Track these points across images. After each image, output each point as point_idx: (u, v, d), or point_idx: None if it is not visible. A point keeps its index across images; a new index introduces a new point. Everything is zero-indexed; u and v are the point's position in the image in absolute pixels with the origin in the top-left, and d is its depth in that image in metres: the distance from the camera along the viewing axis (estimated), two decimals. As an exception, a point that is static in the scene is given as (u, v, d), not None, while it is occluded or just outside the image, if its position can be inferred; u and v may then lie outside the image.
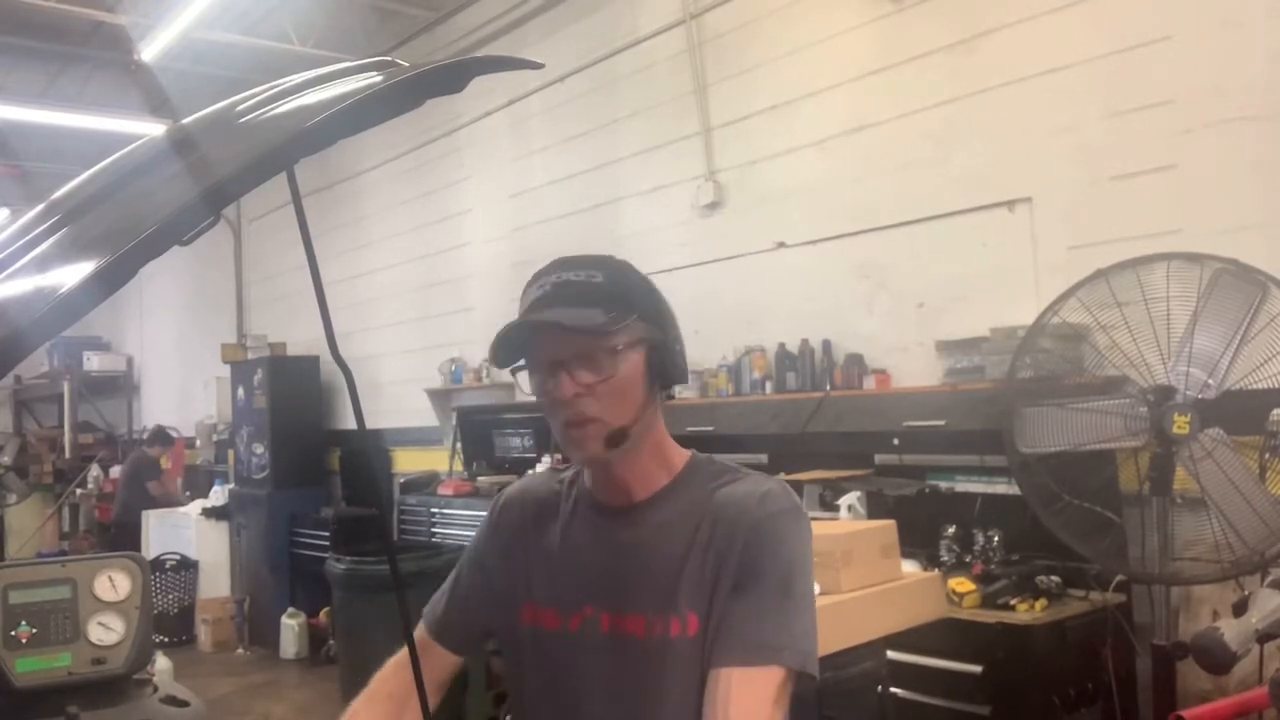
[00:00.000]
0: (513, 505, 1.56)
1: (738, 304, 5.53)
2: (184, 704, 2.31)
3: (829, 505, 4.15)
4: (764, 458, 4.65)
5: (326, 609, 7.18)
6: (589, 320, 1.31)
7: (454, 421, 7.28)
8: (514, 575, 1.51)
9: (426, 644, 1.56)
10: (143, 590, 2.38)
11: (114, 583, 2.35)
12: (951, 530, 3.97)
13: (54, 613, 2.28)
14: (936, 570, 3.64)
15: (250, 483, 8.69)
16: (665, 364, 1.37)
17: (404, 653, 1.47)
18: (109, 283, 0.80)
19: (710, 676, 1.30)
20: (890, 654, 3.12)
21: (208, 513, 8.84)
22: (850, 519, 3.83)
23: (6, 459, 11.96)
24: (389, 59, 1.09)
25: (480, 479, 6.80)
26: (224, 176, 0.90)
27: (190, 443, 10.84)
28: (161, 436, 9.87)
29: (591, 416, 1.34)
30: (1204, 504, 3.21)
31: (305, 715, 6.37)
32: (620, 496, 1.43)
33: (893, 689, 3.16)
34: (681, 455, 1.46)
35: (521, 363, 1.38)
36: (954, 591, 3.52)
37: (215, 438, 10.20)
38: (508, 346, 1.35)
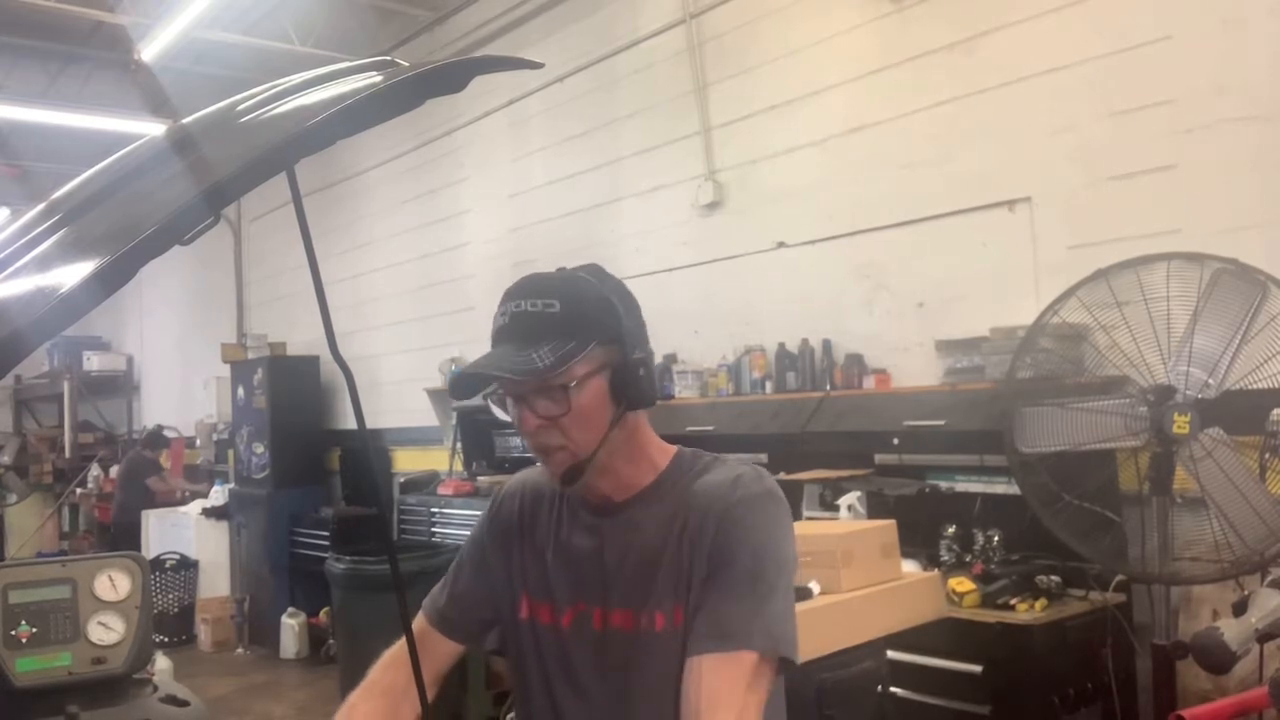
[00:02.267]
0: (512, 498, 1.59)
1: (738, 304, 5.53)
2: (184, 704, 2.32)
3: (829, 505, 4.15)
4: (764, 458, 4.65)
5: (326, 609, 7.18)
6: (531, 364, 1.31)
7: (454, 421, 7.29)
8: (511, 568, 1.53)
9: (427, 633, 1.58)
10: (143, 590, 2.39)
11: (114, 582, 2.36)
12: (951, 530, 3.97)
13: (54, 612, 2.29)
14: (936, 570, 3.64)
15: (250, 482, 8.69)
16: (627, 386, 1.37)
17: (401, 645, 1.50)
18: (109, 282, 0.80)
19: (685, 665, 1.32)
20: (890, 654, 3.12)
21: (208, 512, 8.84)
22: (850, 519, 3.83)
23: (6, 459, 11.97)
24: (389, 59, 1.09)
25: (480, 479, 6.80)
26: (224, 176, 0.90)
27: (190, 442, 10.84)
28: (158, 438, 9.87)
29: (555, 446, 1.37)
30: (1204, 504, 3.21)
31: (305, 715, 6.37)
32: (601, 499, 1.46)
33: (893, 689, 3.16)
34: (666, 453, 1.48)
35: (493, 388, 1.40)
36: (954, 591, 3.52)
37: (215, 437, 10.20)
38: (467, 382, 1.38)
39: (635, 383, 1.36)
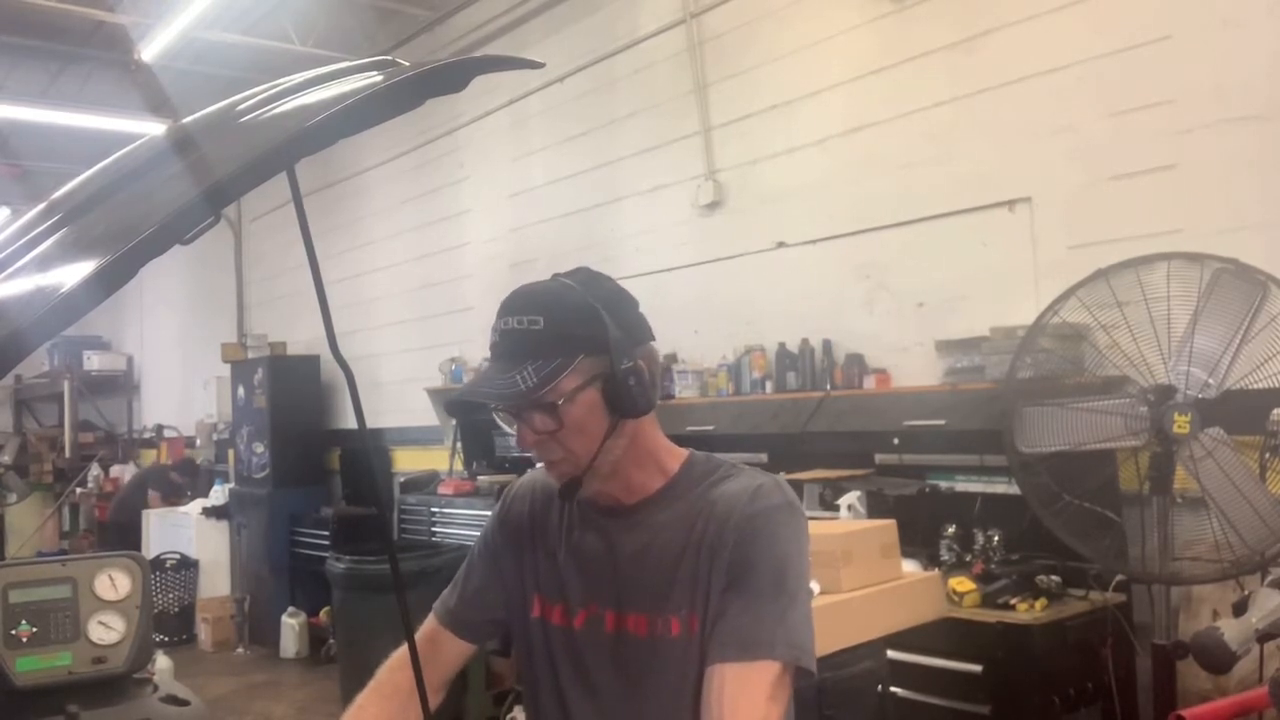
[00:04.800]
0: (521, 499, 1.59)
1: (738, 304, 5.53)
2: (184, 703, 2.32)
3: (829, 505, 4.15)
4: (764, 457, 4.66)
5: (326, 609, 7.18)
6: (515, 387, 1.31)
7: (454, 421, 7.29)
8: (522, 568, 1.54)
9: (438, 633, 1.59)
10: (143, 589, 2.38)
11: (114, 582, 2.36)
12: (951, 530, 3.97)
13: (54, 612, 2.29)
14: (936, 570, 3.64)
15: (250, 482, 8.69)
16: (619, 397, 1.36)
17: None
18: (109, 282, 0.80)
19: (706, 673, 1.32)
20: (890, 654, 3.12)
21: (208, 512, 8.84)
22: (850, 519, 3.83)
23: (7, 458, 11.97)
24: (389, 58, 1.09)
25: (480, 478, 6.79)
26: (224, 176, 0.90)
27: (190, 442, 10.84)
28: (190, 467, 9.91)
29: (556, 459, 1.39)
30: (1204, 504, 3.21)
31: (305, 715, 6.37)
32: (611, 501, 1.46)
33: (893, 689, 3.16)
34: (677, 456, 1.48)
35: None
36: (954, 591, 3.52)
37: (215, 437, 10.21)
38: (461, 404, 1.40)
39: (626, 393, 1.36)
